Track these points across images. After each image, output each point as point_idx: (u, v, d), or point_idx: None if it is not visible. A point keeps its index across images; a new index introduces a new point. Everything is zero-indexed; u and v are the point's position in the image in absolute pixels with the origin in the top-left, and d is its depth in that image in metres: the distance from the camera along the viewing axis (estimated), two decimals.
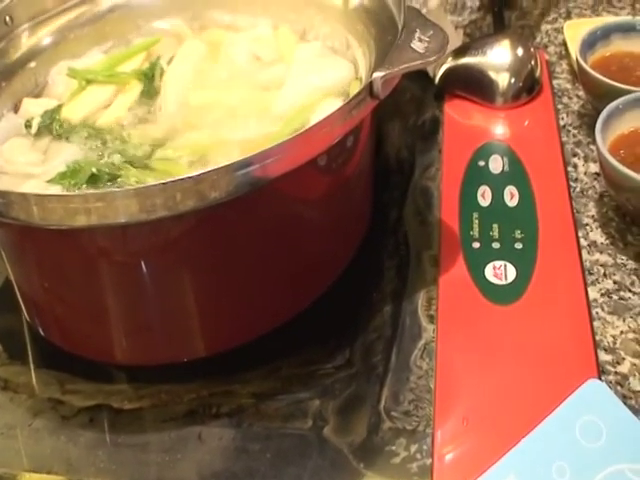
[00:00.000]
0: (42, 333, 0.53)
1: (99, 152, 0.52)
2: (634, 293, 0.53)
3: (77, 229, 0.43)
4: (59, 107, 0.57)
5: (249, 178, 0.42)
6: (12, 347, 0.54)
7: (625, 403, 0.44)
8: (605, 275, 0.55)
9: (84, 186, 0.49)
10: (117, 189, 0.47)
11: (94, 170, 0.49)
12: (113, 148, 0.52)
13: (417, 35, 0.49)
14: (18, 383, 0.51)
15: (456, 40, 0.75)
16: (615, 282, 0.54)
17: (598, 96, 0.65)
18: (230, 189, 0.42)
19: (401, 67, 0.47)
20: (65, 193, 0.48)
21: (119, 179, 0.50)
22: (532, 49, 0.71)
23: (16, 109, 0.58)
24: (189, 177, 0.41)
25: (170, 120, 0.56)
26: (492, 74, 0.69)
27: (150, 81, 0.58)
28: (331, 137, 0.45)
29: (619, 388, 0.48)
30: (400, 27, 0.50)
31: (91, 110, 0.56)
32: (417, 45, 0.48)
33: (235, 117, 0.55)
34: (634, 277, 0.54)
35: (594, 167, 0.63)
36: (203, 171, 0.41)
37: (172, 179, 0.41)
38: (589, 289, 0.53)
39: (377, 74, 0.46)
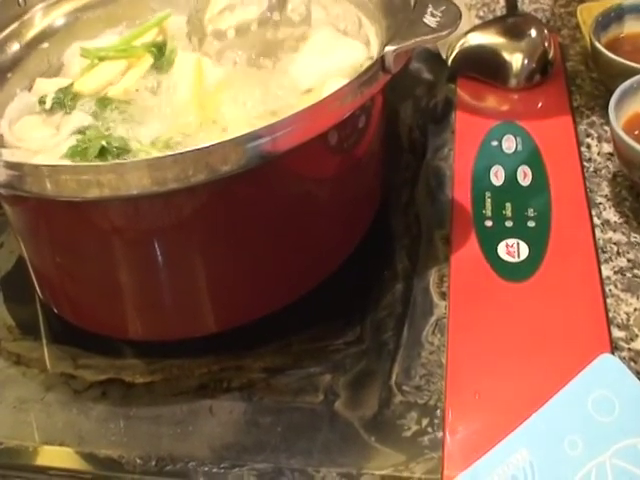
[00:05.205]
0: (54, 309, 0.54)
1: (108, 125, 0.52)
2: None
3: (90, 202, 0.43)
4: (72, 84, 0.57)
5: (259, 151, 0.42)
6: (25, 323, 0.54)
7: (639, 379, 0.44)
8: (619, 253, 0.54)
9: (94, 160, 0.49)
10: (129, 160, 0.47)
11: (104, 143, 0.49)
12: (122, 122, 0.52)
13: (429, 10, 0.48)
14: (31, 358, 0.52)
15: (468, 22, 0.75)
16: (629, 260, 0.54)
17: (612, 76, 0.64)
18: (241, 162, 0.42)
19: (413, 41, 0.47)
20: (77, 164, 0.48)
21: (129, 154, 0.50)
22: (545, 31, 0.70)
23: (30, 89, 0.58)
24: (200, 149, 0.41)
25: (180, 99, 0.56)
26: (505, 55, 0.69)
27: (161, 53, 0.58)
28: (342, 111, 0.45)
29: (632, 364, 0.47)
30: (412, 4, 0.50)
31: (102, 83, 0.56)
32: (429, 20, 0.48)
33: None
34: None
35: (607, 147, 0.63)
36: (214, 143, 0.41)
37: (183, 150, 0.41)
38: (602, 267, 0.53)
39: (389, 48, 0.46)
